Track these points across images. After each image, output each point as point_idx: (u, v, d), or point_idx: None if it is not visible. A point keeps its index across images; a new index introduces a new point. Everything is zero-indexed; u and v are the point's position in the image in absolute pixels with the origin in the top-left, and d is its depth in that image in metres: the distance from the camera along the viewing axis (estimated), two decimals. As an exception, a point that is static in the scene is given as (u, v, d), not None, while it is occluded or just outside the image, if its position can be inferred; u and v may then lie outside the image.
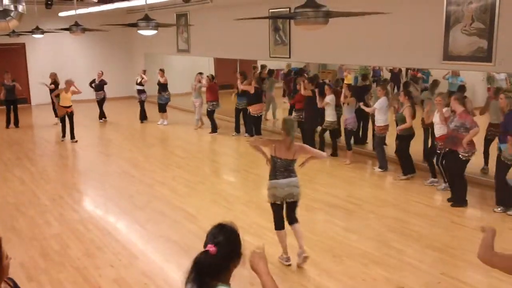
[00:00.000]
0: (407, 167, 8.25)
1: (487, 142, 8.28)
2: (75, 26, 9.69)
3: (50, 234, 6.19)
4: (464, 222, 6.44)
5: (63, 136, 11.59)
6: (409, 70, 13.42)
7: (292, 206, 5.16)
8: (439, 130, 7.36)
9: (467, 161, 6.95)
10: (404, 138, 8.13)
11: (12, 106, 12.96)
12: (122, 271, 5.15)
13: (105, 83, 13.66)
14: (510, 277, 4.65)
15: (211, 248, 2.14)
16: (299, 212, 7.01)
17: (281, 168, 5.03)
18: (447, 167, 7.27)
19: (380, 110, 8.45)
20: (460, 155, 6.86)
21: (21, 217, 6.74)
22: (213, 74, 12.50)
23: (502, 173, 6.70)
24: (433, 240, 5.85)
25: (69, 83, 11.48)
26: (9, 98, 12.81)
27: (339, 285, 4.79)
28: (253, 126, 11.46)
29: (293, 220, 5.20)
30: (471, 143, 6.84)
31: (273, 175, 5.06)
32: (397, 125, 8.31)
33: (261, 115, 11.63)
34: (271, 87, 12.83)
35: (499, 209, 6.68)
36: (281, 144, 5.02)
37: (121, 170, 9.19)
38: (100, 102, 13.73)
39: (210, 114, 12.03)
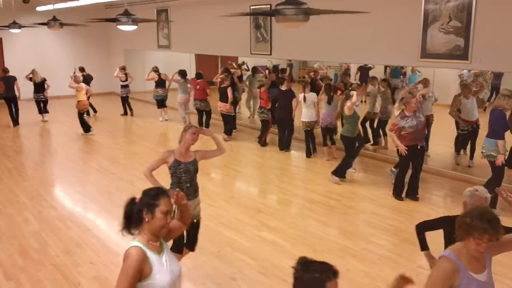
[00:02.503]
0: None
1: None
2: (53, 21, 9.55)
3: (29, 232, 6.11)
4: (439, 215, 6.56)
5: (89, 129, 11.62)
6: (387, 68, 13.60)
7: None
8: None
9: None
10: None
11: None
12: (102, 268, 5.13)
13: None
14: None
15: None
16: (280, 208, 7.09)
17: None
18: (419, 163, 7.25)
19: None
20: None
21: (-1, 215, 6.65)
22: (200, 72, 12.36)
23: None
24: (410, 234, 5.93)
25: (78, 78, 11.46)
26: None
27: (319, 280, 4.84)
28: (226, 124, 11.32)
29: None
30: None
31: None
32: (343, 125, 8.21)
33: (231, 114, 11.13)
34: (253, 84, 12.83)
35: None
36: None
37: (100, 166, 9.11)
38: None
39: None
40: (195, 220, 4.59)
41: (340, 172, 7.94)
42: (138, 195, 2.66)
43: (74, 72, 12.66)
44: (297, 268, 2.09)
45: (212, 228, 6.01)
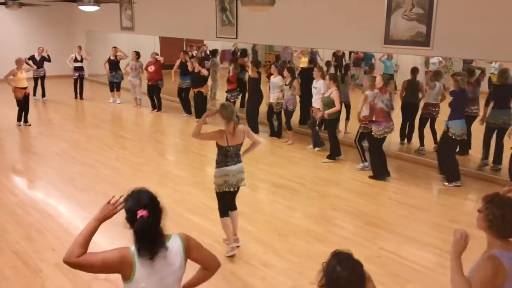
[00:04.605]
0: (335, 150, 8.38)
1: (423, 121, 8.70)
2: (11, 0, 9.17)
3: (-13, 218, 5.93)
4: (401, 199, 6.76)
5: (19, 120, 10.62)
6: (352, 53, 13.76)
7: (236, 192, 5.08)
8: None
9: (382, 139, 7.35)
10: (332, 122, 8.28)
11: None
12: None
13: (48, 60, 13.37)
14: (444, 250, 4.97)
15: (143, 212, 2.31)
16: (246, 192, 7.11)
17: (232, 155, 4.83)
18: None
19: (318, 92, 8.56)
20: (373, 133, 7.29)
21: (-46, 202, 6.40)
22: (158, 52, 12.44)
23: (449, 148, 7.09)
24: (373, 217, 6.12)
25: (20, 61, 10.60)
26: None
27: (285, 263, 4.92)
28: (200, 107, 11.25)
29: (234, 206, 5.14)
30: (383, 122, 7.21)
31: (223, 162, 4.81)
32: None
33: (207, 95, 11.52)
34: (215, 68, 12.74)
35: (448, 183, 7.12)
36: (228, 132, 4.74)
37: (61, 151, 8.88)
38: (41, 80, 13.36)
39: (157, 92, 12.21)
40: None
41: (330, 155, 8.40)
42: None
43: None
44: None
45: (179, 213, 5.98)
